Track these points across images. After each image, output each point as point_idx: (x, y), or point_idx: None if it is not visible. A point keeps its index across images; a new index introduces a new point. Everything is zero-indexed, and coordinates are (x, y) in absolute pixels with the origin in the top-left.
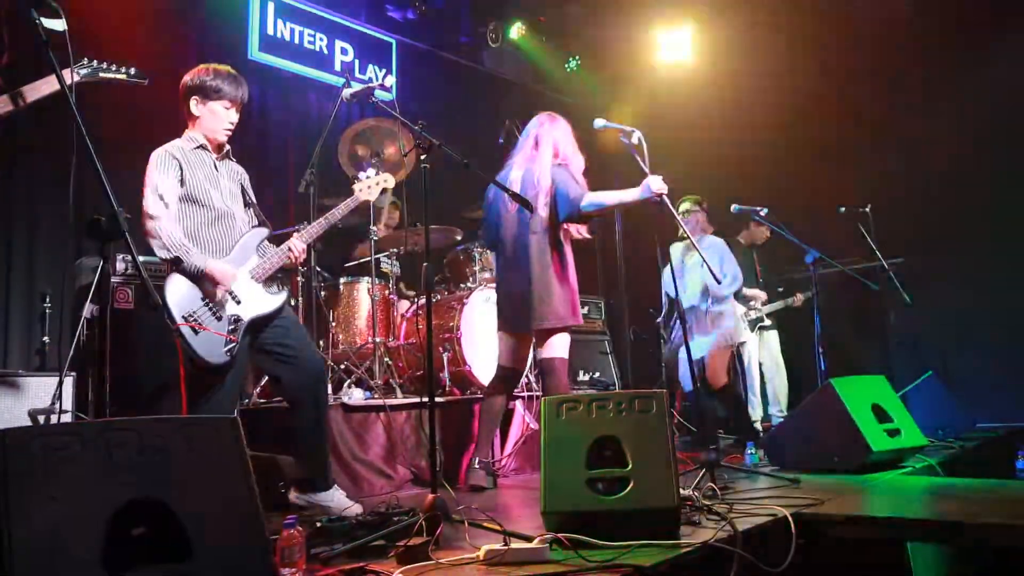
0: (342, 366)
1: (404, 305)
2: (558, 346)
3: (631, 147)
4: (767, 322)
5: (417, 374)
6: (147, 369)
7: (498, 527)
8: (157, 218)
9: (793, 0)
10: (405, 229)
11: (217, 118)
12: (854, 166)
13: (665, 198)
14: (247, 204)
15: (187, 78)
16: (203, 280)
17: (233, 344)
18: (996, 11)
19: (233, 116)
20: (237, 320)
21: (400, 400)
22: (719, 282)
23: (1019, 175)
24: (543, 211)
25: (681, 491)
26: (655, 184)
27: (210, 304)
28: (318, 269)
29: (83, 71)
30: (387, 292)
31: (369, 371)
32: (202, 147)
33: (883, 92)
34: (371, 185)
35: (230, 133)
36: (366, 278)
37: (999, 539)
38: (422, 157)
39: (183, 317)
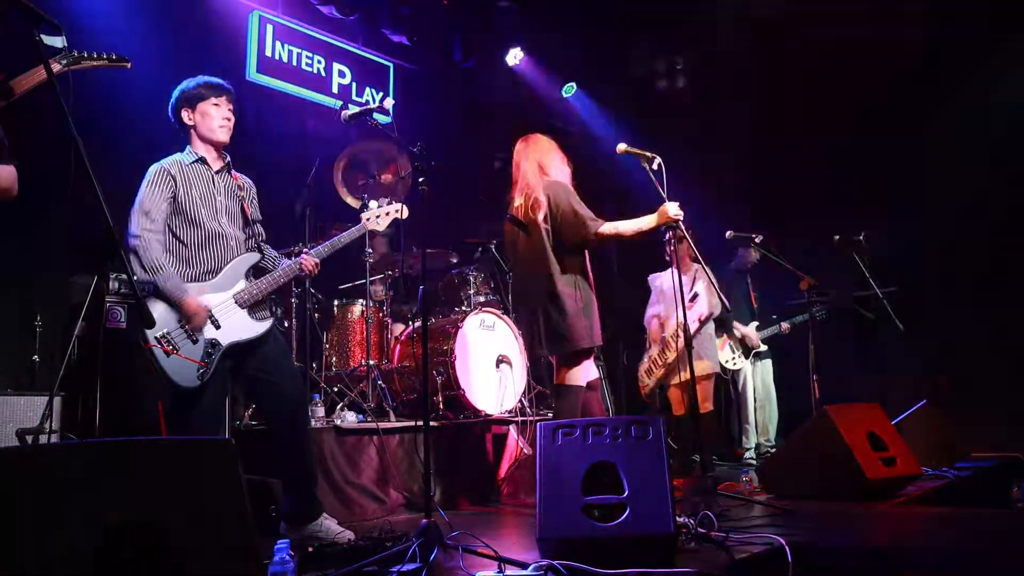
0: (335, 388)
1: (398, 328)
2: (567, 371)
3: (651, 172)
4: (762, 348)
5: (410, 397)
6: (138, 389)
7: (493, 553)
8: (140, 237)
9: (783, 29)
10: (402, 253)
11: (209, 117)
12: (849, 194)
13: (681, 224)
14: (249, 222)
15: (171, 99)
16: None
17: (204, 369)
18: (990, 36)
19: (225, 112)
20: (214, 345)
21: (393, 424)
22: (728, 310)
23: (1016, 204)
24: (544, 227)
25: (677, 518)
26: (672, 210)
27: (186, 327)
28: (312, 291)
29: (62, 61)
30: (381, 315)
31: (362, 394)
32: (201, 160)
33: (878, 120)
34: (380, 215)
35: (227, 128)
36: (360, 300)
37: (996, 570)
38: (420, 180)
39: (156, 338)
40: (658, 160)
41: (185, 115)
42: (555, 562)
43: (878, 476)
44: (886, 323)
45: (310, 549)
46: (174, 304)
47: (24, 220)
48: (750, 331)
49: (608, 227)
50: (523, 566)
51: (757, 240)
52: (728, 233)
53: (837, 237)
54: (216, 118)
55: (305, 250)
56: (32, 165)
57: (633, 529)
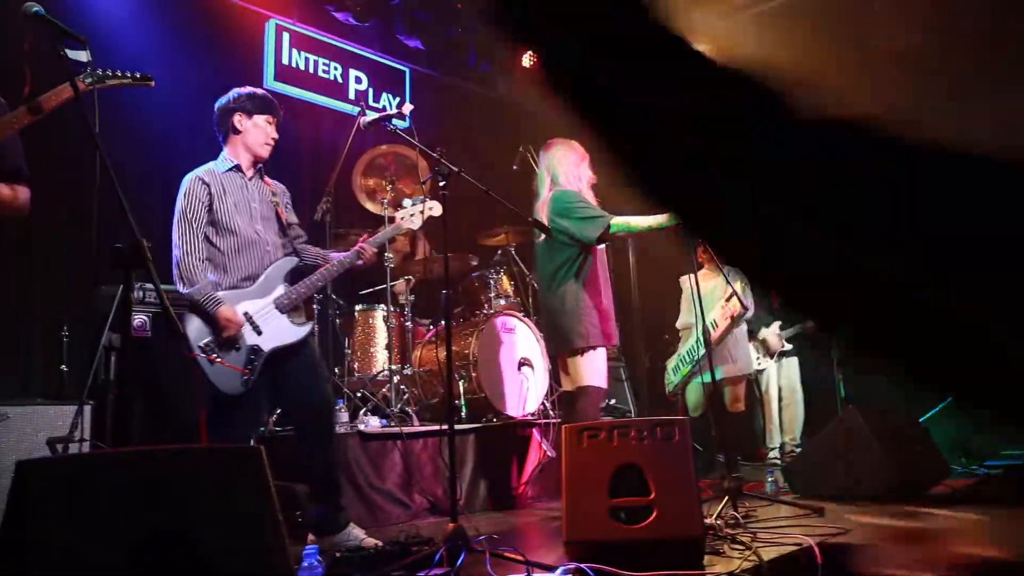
0: (358, 394)
1: (420, 332)
2: (569, 374)
3: None
4: (787, 347)
5: (432, 402)
6: (166, 397)
7: (521, 557)
8: (180, 248)
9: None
10: (426, 258)
11: (261, 131)
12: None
13: None
14: (284, 227)
15: (225, 99)
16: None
17: (248, 376)
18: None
19: (274, 132)
20: (257, 351)
21: (417, 428)
22: (746, 309)
23: None
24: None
25: (704, 520)
26: None
27: (221, 338)
28: (334, 297)
29: (88, 80)
30: (403, 320)
31: (385, 399)
32: (235, 168)
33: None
34: (414, 213)
35: (270, 148)
36: (381, 306)
37: None
38: (441, 184)
39: (199, 347)
40: None
41: (238, 119)
42: (583, 565)
43: (906, 475)
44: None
45: (337, 555)
46: (208, 316)
47: (49, 231)
48: (769, 334)
49: (619, 221)
50: (550, 570)
51: None
52: None
53: None
54: (267, 136)
55: (364, 235)
56: (57, 176)
57: (661, 531)
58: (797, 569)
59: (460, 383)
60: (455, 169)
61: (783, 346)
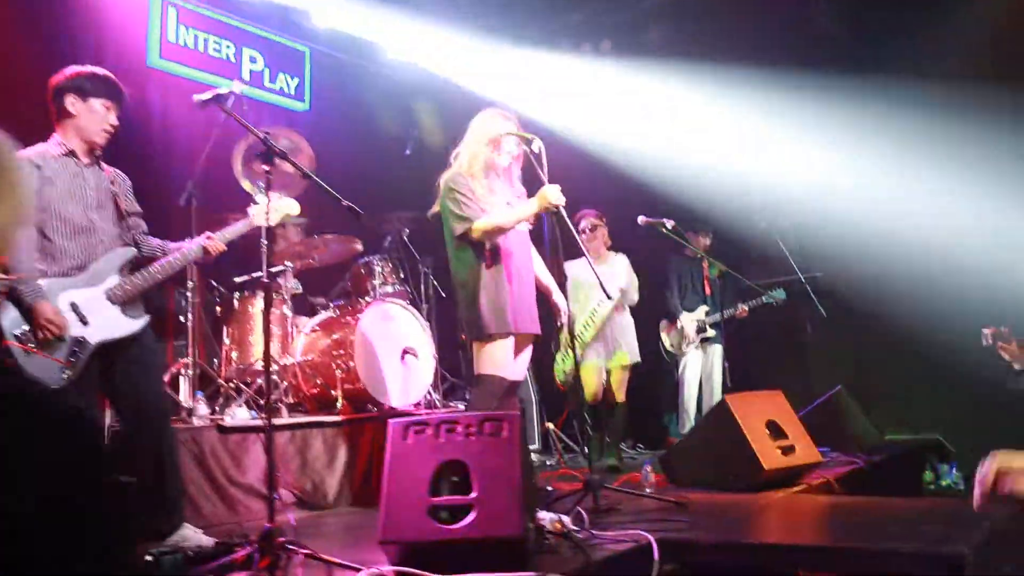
0: (232, 384)
1: (302, 321)
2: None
3: (531, 155)
4: (710, 333)
5: (312, 392)
6: None
7: (330, 559)
8: None
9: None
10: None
11: (96, 117)
12: (767, 183)
13: (562, 210)
14: (124, 215)
15: (59, 76)
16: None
17: (69, 369)
18: (895, 16)
19: (112, 119)
20: (81, 343)
21: (285, 420)
22: (609, 297)
23: (929, 188)
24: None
25: (547, 517)
26: (552, 195)
27: (40, 333)
28: (213, 283)
29: None
30: (283, 308)
31: (259, 390)
32: (70, 153)
33: (788, 107)
34: (268, 211)
35: (108, 136)
36: (261, 293)
37: (884, 566)
38: (265, 168)
39: (15, 335)
40: (538, 142)
41: (70, 101)
42: (385, 568)
43: (775, 466)
44: (811, 309)
45: (148, 557)
46: (27, 309)
47: None
48: (687, 321)
49: (483, 224)
50: (356, 571)
51: (669, 225)
52: (640, 219)
53: (764, 224)
54: (103, 121)
55: (207, 234)
56: None
57: (479, 531)
58: (631, 567)
59: (337, 373)
60: (279, 150)
61: (700, 334)
